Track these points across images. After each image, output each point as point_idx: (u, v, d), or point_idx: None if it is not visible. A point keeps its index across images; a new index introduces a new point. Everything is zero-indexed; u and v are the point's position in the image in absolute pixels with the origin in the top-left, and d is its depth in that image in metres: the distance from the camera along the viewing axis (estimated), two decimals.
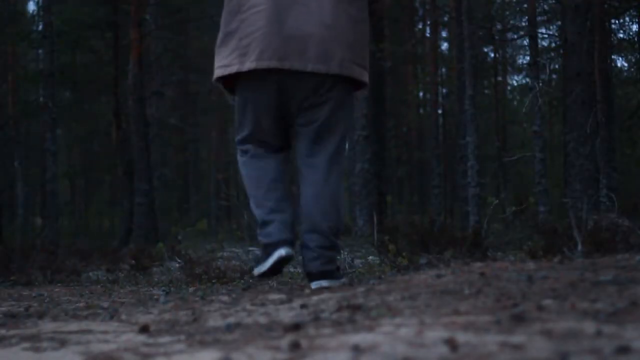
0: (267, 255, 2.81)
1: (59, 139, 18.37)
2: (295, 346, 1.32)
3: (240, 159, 2.97)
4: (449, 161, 18.89)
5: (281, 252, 2.76)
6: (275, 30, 2.68)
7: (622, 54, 17.69)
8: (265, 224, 2.84)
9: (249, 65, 2.70)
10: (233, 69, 2.76)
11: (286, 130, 2.92)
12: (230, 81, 2.88)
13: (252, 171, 2.91)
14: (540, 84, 9.47)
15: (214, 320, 2.03)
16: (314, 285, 2.79)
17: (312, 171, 2.84)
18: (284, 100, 2.79)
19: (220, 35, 2.84)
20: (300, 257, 3.00)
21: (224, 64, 2.79)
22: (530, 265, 2.38)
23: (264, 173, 2.89)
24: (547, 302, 1.64)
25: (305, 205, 2.83)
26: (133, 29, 12.88)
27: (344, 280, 2.90)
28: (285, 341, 1.39)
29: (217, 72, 2.84)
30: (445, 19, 16.99)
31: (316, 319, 1.83)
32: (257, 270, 2.90)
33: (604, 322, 1.36)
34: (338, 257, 3.25)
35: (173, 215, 19.77)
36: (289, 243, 2.80)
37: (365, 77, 2.85)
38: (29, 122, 19.54)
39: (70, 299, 3.42)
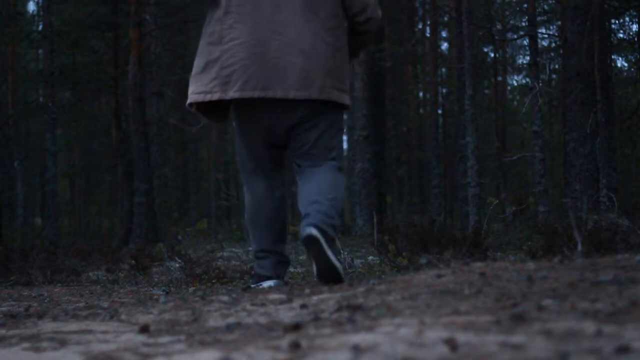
0: (259, 281, 3.11)
1: (59, 139, 18.35)
2: (295, 346, 1.32)
3: (244, 188, 3.20)
4: (449, 161, 18.89)
5: (270, 283, 3.03)
6: (257, 61, 2.84)
7: (622, 54, 17.68)
8: (259, 257, 3.15)
9: (232, 94, 2.85)
10: (215, 96, 2.89)
11: (279, 154, 3.13)
12: (204, 106, 3.03)
13: (252, 211, 3.14)
14: (540, 84, 9.46)
15: (214, 320, 2.03)
16: (310, 234, 2.66)
17: (310, 176, 2.98)
18: (271, 125, 2.98)
19: (199, 63, 2.95)
20: (300, 258, 3.03)
21: (204, 90, 2.91)
22: (530, 265, 2.38)
23: (263, 211, 3.11)
24: (547, 302, 1.64)
25: (305, 194, 2.91)
26: (133, 29, 12.88)
27: (340, 267, 2.81)
28: (285, 341, 1.39)
29: (196, 97, 2.94)
30: (445, 19, 16.99)
31: (316, 319, 1.83)
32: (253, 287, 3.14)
33: (604, 322, 1.36)
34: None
35: (173, 215, 19.76)
36: (278, 277, 3.10)
37: (346, 100, 2.99)
38: (29, 122, 19.51)
39: (70, 299, 3.42)
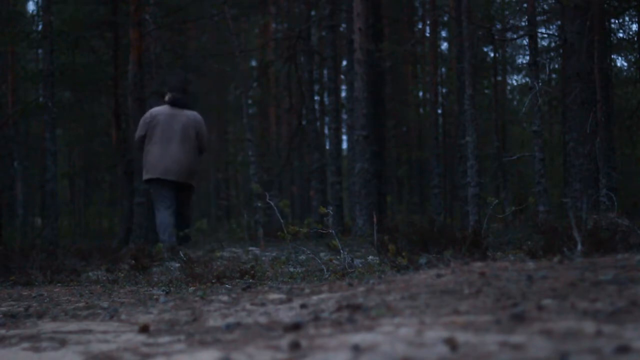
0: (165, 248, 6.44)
1: (59, 139, 18.34)
2: (295, 346, 1.32)
3: (156, 212, 6.97)
4: (449, 161, 18.89)
5: (171, 243, 6.68)
6: (162, 164, 6.82)
7: (622, 54, 17.67)
8: (163, 238, 6.76)
9: (156, 175, 6.82)
10: (150, 177, 6.92)
11: (175, 198, 6.97)
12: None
13: (160, 220, 6.92)
14: (540, 84, 9.45)
15: (214, 320, 2.03)
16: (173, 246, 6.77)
17: (181, 213, 7.02)
18: (171, 188, 6.87)
19: (145, 166, 7.00)
20: (298, 258, 3.05)
21: (145, 173, 6.99)
22: (530, 265, 2.38)
23: (166, 221, 6.84)
24: (547, 302, 1.64)
25: (179, 221, 7.05)
26: (133, 28, 12.88)
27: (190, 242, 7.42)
28: (285, 341, 1.39)
29: (145, 177, 7.01)
30: (445, 18, 16.98)
31: (316, 318, 1.83)
32: (164, 249, 6.30)
33: (604, 322, 1.37)
34: (191, 238, 7.11)
35: None
36: (174, 241, 6.74)
37: (195, 183, 7.12)
38: (29, 122, 19.49)
39: (70, 299, 3.42)
